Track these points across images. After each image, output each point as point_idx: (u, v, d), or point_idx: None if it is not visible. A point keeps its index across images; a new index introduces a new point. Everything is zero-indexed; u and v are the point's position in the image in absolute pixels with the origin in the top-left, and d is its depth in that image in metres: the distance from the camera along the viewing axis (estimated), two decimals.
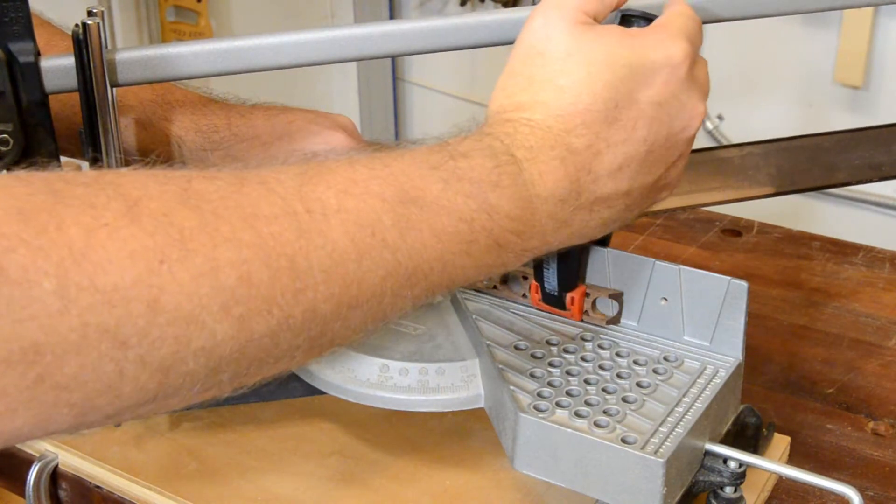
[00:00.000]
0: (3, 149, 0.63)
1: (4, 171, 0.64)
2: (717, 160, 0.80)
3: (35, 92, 0.62)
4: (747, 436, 0.65)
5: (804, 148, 0.81)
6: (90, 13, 0.60)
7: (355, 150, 0.75)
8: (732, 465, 0.59)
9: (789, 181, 0.82)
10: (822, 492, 0.65)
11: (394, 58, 2.42)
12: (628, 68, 0.56)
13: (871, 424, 0.75)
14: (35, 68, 0.62)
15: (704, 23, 0.63)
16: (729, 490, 0.60)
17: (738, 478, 0.59)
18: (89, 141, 0.62)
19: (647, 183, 0.58)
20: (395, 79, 2.46)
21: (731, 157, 0.80)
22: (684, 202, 0.79)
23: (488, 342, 0.66)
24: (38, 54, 0.62)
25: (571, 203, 0.56)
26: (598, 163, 0.56)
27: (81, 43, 0.60)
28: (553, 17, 0.57)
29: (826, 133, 0.81)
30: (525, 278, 0.69)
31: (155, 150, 0.80)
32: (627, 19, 0.64)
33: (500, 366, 0.63)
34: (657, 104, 0.57)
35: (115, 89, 0.63)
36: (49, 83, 0.62)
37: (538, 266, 0.66)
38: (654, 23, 0.60)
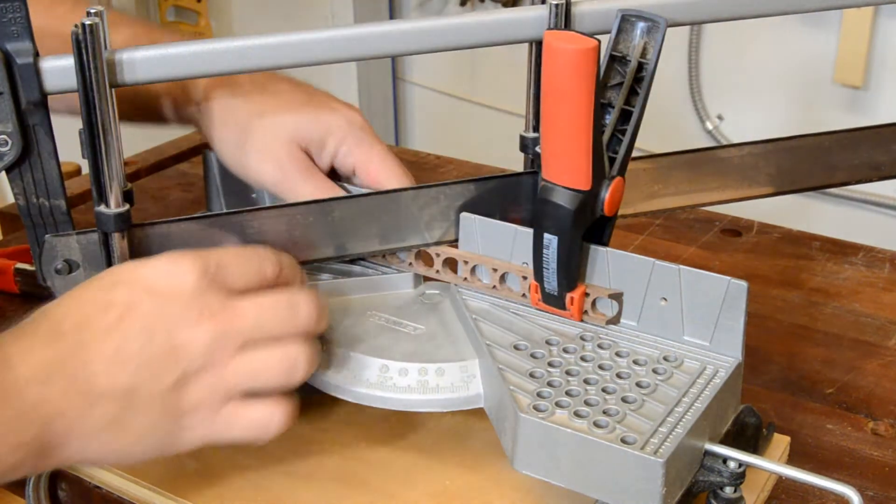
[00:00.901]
0: (2, 149, 0.63)
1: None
2: (717, 160, 0.80)
3: (34, 92, 0.62)
4: (747, 436, 0.65)
5: (804, 148, 0.81)
6: (90, 13, 0.60)
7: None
8: (732, 465, 0.59)
9: (789, 181, 0.82)
10: (822, 492, 0.65)
11: (393, 58, 2.42)
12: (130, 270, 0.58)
13: (871, 424, 0.75)
14: (34, 69, 0.62)
15: (703, 22, 0.63)
16: (729, 490, 0.60)
17: (738, 478, 0.59)
18: (88, 142, 0.62)
19: (157, 389, 0.56)
20: (395, 79, 2.46)
21: (730, 157, 0.80)
22: (684, 202, 0.79)
23: (488, 342, 0.66)
24: (36, 55, 0.62)
25: (60, 387, 0.54)
26: (89, 349, 0.54)
27: (81, 43, 0.60)
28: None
29: (826, 133, 0.81)
30: (525, 278, 0.69)
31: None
32: (627, 19, 0.64)
33: (500, 366, 0.63)
34: (157, 302, 0.56)
35: (114, 89, 0.63)
36: (48, 83, 0.62)
37: (538, 266, 0.66)
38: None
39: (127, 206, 0.65)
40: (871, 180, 0.82)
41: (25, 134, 0.63)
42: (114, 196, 0.64)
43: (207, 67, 0.65)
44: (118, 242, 0.65)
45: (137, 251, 0.66)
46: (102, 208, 0.64)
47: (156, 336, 0.55)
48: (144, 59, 0.63)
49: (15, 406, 0.52)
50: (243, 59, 0.65)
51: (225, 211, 0.73)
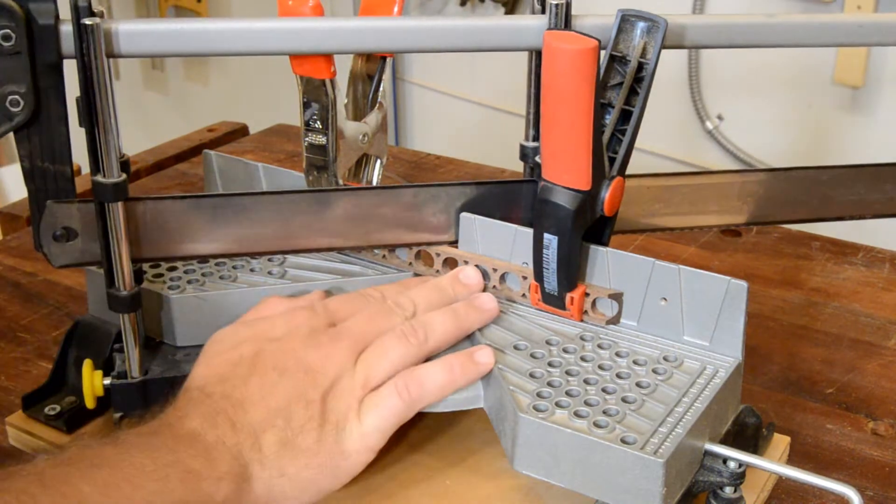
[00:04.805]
0: (14, 109, 0.62)
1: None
2: (718, 185, 0.78)
3: (51, 54, 0.62)
4: (747, 436, 0.65)
5: (805, 179, 0.80)
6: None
7: None
8: (732, 465, 0.59)
9: (789, 211, 0.80)
10: (822, 492, 0.65)
11: (393, 56, 2.42)
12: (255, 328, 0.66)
13: (871, 424, 0.75)
14: (54, 31, 0.61)
15: (692, 47, 0.61)
16: (728, 490, 0.60)
17: (738, 478, 0.59)
18: (86, 110, 0.62)
19: (306, 403, 0.62)
20: (395, 79, 2.46)
21: (732, 182, 0.78)
22: (682, 223, 0.78)
23: (488, 342, 0.66)
24: (57, 17, 0.61)
25: (226, 427, 0.60)
26: (237, 394, 0.61)
27: (79, 10, 0.59)
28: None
29: (826, 167, 0.80)
30: (525, 278, 0.69)
31: None
32: (627, 19, 0.64)
33: (500, 366, 0.63)
34: (278, 345, 0.64)
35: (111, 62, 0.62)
36: (66, 47, 0.62)
37: (538, 266, 0.66)
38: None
39: (124, 176, 0.64)
40: (864, 217, 0.82)
41: (38, 96, 0.63)
42: (110, 165, 0.63)
43: (204, 46, 0.65)
44: (114, 212, 0.64)
45: (133, 224, 0.66)
46: (99, 178, 0.64)
47: (287, 367, 0.62)
48: (141, 32, 0.63)
49: (198, 448, 0.58)
50: (239, 41, 0.65)
51: (223, 192, 0.72)
